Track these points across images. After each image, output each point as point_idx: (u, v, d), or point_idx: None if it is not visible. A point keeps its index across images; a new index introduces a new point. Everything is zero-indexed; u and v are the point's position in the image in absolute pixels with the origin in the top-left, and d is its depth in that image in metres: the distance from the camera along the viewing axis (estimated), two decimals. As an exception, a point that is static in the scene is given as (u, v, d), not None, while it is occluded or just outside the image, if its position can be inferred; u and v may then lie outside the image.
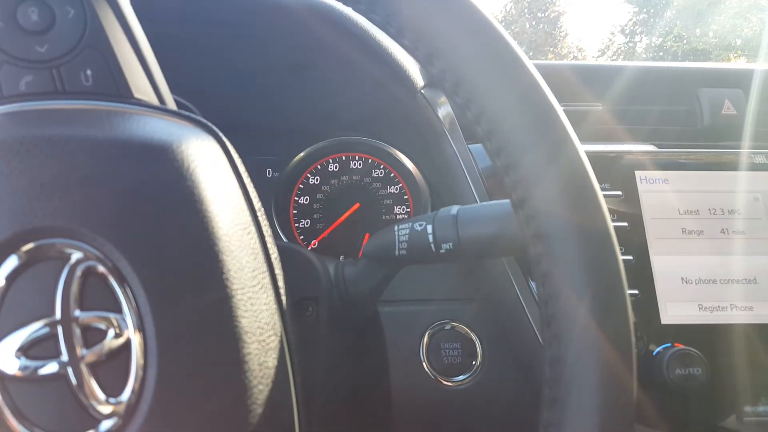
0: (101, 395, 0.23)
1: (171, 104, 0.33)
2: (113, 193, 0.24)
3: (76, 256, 0.23)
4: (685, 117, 0.60)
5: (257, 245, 0.29)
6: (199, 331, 0.24)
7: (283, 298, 0.30)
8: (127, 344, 0.23)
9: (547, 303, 0.25)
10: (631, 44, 18.37)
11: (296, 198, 0.67)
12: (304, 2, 0.49)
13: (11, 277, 0.23)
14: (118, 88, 0.30)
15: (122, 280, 0.24)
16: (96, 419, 0.22)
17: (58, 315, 0.23)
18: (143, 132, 0.27)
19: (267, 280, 0.28)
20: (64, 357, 0.22)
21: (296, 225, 0.67)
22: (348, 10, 0.50)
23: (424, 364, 0.54)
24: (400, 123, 0.62)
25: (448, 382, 0.53)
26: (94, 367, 0.23)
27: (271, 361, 0.27)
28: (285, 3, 0.49)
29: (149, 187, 0.25)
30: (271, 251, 0.30)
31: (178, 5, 0.51)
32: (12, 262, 0.23)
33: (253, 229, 0.29)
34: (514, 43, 0.26)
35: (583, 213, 0.25)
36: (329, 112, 0.65)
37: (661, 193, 0.53)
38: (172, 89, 0.35)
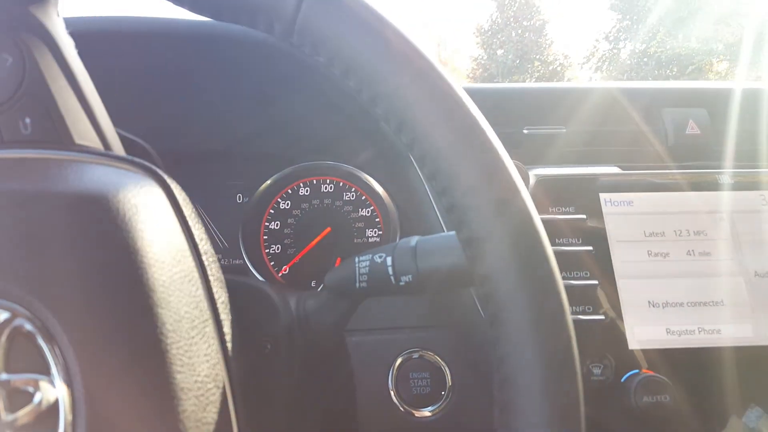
0: None
1: (117, 148, 0.33)
2: (43, 248, 0.24)
3: (3, 316, 0.23)
4: (650, 137, 0.61)
5: (200, 293, 0.28)
6: (130, 389, 0.23)
7: (229, 345, 0.29)
8: (56, 404, 0.22)
9: (495, 345, 0.25)
10: (615, 50, 18.61)
11: (267, 223, 0.66)
12: (265, 39, 0.49)
13: (-67, 341, 0.22)
14: (58, 135, 0.29)
15: (51, 339, 0.23)
16: None
17: None
18: (79, 181, 0.26)
19: (209, 329, 0.28)
20: (-12, 424, 0.22)
21: (267, 251, 0.66)
22: None
23: (392, 394, 0.53)
24: (367, 149, 0.61)
25: (418, 413, 0.53)
26: (21, 431, 0.22)
27: (211, 416, 0.26)
28: (247, 38, 0.49)
29: (81, 240, 0.25)
30: (217, 297, 0.29)
31: (142, 40, 0.51)
32: (-66, 325, 0.22)
33: (196, 276, 0.28)
34: (453, 82, 0.26)
35: (528, 258, 0.25)
36: (298, 138, 0.65)
37: (626, 215, 0.53)
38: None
